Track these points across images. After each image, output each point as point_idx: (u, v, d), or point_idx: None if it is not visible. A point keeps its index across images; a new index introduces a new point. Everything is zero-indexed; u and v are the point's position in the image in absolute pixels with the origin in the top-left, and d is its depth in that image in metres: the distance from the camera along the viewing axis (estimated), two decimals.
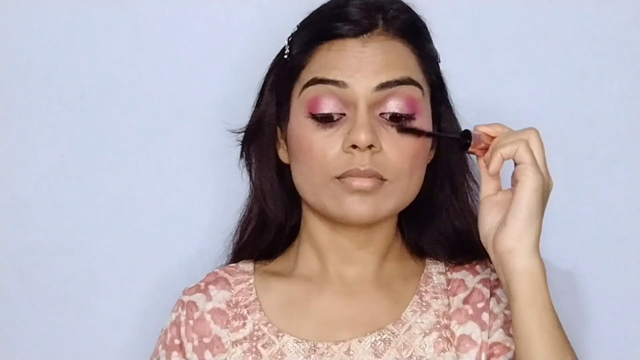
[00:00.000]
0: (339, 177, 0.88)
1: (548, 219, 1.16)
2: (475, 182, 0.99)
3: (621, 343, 1.18)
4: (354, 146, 0.86)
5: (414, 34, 0.93)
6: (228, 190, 1.09)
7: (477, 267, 0.96)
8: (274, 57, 0.97)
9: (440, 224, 0.97)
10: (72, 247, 1.16)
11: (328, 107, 0.88)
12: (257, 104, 0.98)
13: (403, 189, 0.90)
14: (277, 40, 0.97)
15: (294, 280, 0.96)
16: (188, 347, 0.93)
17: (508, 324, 0.90)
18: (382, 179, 0.88)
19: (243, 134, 0.99)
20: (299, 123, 0.90)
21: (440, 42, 0.97)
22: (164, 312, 1.00)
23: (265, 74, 0.97)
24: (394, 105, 0.88)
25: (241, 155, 1.00)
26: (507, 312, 0.91)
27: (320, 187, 0.89)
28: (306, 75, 0.90)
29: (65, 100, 1.15)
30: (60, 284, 1.16)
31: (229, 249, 1.03)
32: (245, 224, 1.01)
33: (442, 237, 0.97)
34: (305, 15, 0.95)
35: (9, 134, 1.16)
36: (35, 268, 1.16)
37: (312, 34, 0.92)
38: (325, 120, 0.88)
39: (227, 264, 1.02)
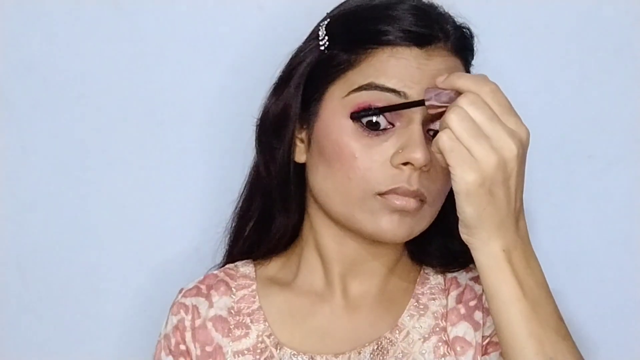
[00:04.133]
0: (381, 194, 0.82)
1: (548, 218, 1.17)
2: None
3: (621, 343, 1.17)
4: (406, 163, 0.81)
5: (469, 51, 0.90)
6: (224, 188, 1.09)
7: (472, 265, 0.94)
8: (273, 58, 0.95)
9: (435, 240, 0.93)
10: (72, 246, 1.16)
11: (378, 124, 0.82)
12: (277, 91, 0.91)
13: (435, 211, 0.86)
14: (276, 41, 0.97)
15: (296, 290, 0.93)
16: (193, 353, 0.91)
17: None
18: (423, 201, 0.83)
19: (259, 122, 0.94)
20: (340, 125, 0.83)
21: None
22: (162, 310, 0.99)
23: (290, 61, 0.91)
24: None
25: (258, 147, 0.93)
26: None
27: (357, 200, 0.83)
28: (358, 78, 0.83)
29: (65, 100, 1.15)
30: (60, 283, 1.16)
31: (225, 243, 1.01)
32: (244, 220, 0.97)
33: (438, 253, 0.94)
34: (307, 16, 0.94)
35: (9, 134, 1.16)
36: (35, 268, 1.16)
37: (365, 34, 0.84)
38: (372, 127, 0.82)
39: (224, 263, 1.00)
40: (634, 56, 1.16)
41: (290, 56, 0.92)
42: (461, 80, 0.74)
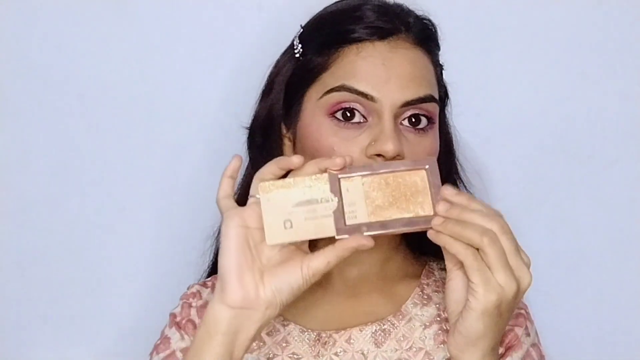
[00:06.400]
0: None
1: (548, 218, 1.17)
2: (464, 185, 1.00)
3: (621, 342, 1.18)
4: (379, 154, 0.85)
5: (432, 42, 0.93)
6: None
7: None
8: (273, 58, 0.96)
9: None
10: (72, 247, 1.16)
11: (353, 113, 0.87)
12: (263, 99, 0.97)
13: None
14: (276, 41, 0.97)
15: None
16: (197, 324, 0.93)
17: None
18: None
19: (249, 128, 0.98)
20: (318, 123, 0.88)
21: (440, 41, 0.97)
22: (163, 312, 0.99)
23: (271, 71, 0.96)
24: (414, 118, 0.88)
25: (249, 148, 0.98)
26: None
27: None
28: (330, 80, 0.88)
29: (65, 100, 1.15)
30: (61, 283, 1.16)
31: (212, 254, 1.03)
32: None
33: (438, 246, 0.97)
34: (306, 16, 0.95)
35: (9, 134, 1.16)
36: (35, 268, 1.16)
37: (333, 36, 0.90)
38: (347, 118, 0.87)
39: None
40: (634, 56, 1.16)
41: (270, 68, 0.97)
42: (475, 205, 0.76)
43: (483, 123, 1.14)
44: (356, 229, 0.76)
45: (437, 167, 0.78)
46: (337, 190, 0.77)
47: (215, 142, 1.14)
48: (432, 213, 0.76)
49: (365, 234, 0.76)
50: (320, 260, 0.76)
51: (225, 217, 0.77)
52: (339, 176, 0.78)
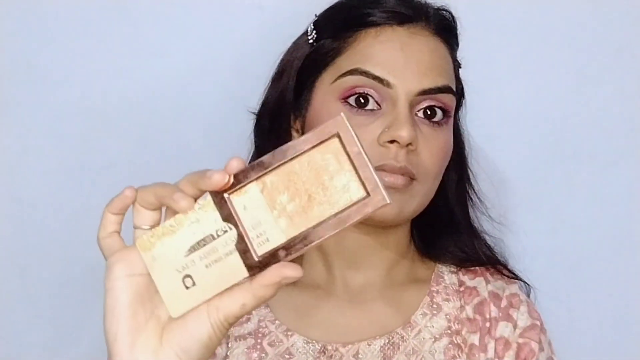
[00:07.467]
0: None
1: (548, 218, 1.17)
2: (476, 194, 0.99)
3: (622, 342, 1.17)
4: (392, 141, 0.82)
5: (452, 34, 0.91)
6: None
7: (489, 274, 0.94)
8: (273, 58, 0.95)
9: (445, 239, 0.95)
10: (72, 246, 1.16)
11: (367, 99, 0.84)
12: (273, 85, 0.94)
13: (427, 190, 0.87)
14: (277, 41, 0.96)
15: (299, 286, 0.91)
16: None
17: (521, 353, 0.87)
18: (412, 179, 0.84)
19: (257, 114, 0.95)
20: (329, 108, 0.85)
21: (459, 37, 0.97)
22: None
23: (283, 57, 0.93)
24: (429, 110, 0.85)
25: (256, 133, 0.95)
26: (520, 340, 0.88)
27: None
28: (345, 63, 0.85)
29: (65, 99, 1.15)
30: (61, 283, 1.16)
31: None
32: None
33: (447, 252, 0.95)
34: (307, 15, 0.94)
35: (9, 134, 1.15)
36: (35, 268, 1.16)
37: (350, 20, 0.87)
38: (360, 105, 0.84)
39: None
40: (634, 56, 1.16)
41: (281, 56, 0.94)
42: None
43: (482, 123, 1.14)
44: (273, 258, 0.57)
45: (347, 126, 0.57)
46: (229, 213, 0.57)
47: (216, 142, 1.14)
48: (363, 194, 0.57)
49: (287, 260, 0.57)
50: (233, 303, 0.58)
51: (108, 266, 0.60)
52: (225, 194, 0.57)
